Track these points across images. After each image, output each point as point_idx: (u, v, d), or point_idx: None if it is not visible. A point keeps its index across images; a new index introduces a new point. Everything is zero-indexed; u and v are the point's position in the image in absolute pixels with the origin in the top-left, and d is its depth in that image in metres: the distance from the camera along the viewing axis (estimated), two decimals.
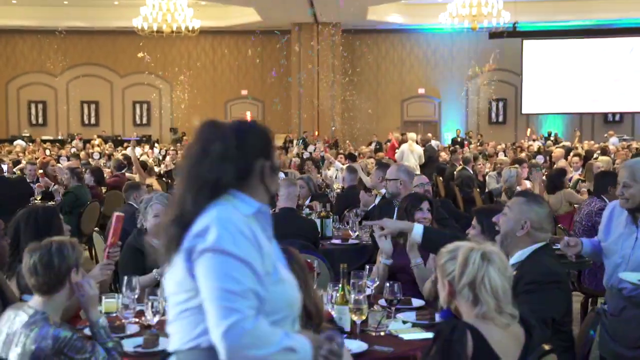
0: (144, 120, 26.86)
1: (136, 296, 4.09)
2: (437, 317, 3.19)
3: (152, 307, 3.88)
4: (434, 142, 19.10)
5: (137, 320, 3.97)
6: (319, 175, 9.59)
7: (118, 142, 21.82)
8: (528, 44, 24.77)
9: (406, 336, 3.68)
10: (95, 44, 25.93)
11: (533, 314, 3.17)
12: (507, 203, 4.20)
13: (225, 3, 22.19)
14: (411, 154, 15.87)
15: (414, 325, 3.88)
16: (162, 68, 26.32)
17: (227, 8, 23.18)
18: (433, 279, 3.28)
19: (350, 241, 6.46)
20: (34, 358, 2.98)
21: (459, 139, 22.54)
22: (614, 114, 26.10)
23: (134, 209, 6.23)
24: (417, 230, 4.17)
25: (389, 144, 19.71)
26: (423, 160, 15.47)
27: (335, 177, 10.92)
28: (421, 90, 26.37)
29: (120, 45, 25.58)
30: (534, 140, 21.64)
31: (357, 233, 6.60)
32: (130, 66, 26.29)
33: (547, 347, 3.12)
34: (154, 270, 4.49)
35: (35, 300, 3.14)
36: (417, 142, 16.64)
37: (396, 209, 5.92)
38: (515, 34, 22.87)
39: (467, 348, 2.77)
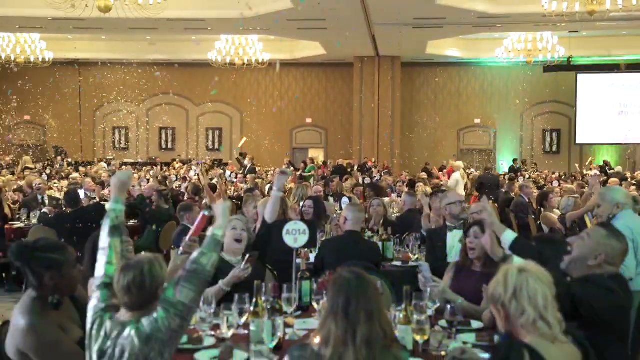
0: (216, 146, 27.20)
1: (212, 310, 4.16)
2: (497, 339, 3.16)
3: (227, 321, 3.95)
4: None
5: (213, 333, 4.02)
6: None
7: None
8: (582, 78, 24.43)
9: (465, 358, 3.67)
10: (173, 76, 26.36)
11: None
12: (588, 230, 4.13)
13: (293, 38, 22.39)
14: (462, 180, 15.92)
15: (474, 346, 3.82)
16: (233, 97, 26.70)
17: (295, 42, 23.40)
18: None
19: (411, 263, 6.43)
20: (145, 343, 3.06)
21: (515, 167, 22.28)
22: None
23: (187, 228, 6.34)
24: (508, 235, 4.08)
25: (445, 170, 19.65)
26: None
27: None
28: (477, 120, 26.16)
29: (196, 76, 26.02)
30: (590, 169, 21.27)
31: (416, 256, 6.58)
32: (205, 95, 26.69)
33: None
34: (220, 282, 4.48)
35: (125, 315, 3.18)
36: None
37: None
38: (570, 67, 22.62)
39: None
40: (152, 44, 24.06)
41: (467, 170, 19.54)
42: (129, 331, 3.07)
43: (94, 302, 3.27)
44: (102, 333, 3.14)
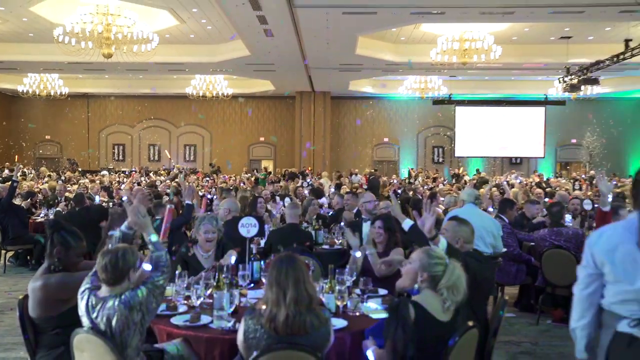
0: (192, 158, 26.81)
1: (185, 285, 4.08)
2: (413, 292, 3.20)
3: (196, 293, 3.89)
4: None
5: (185, 302, 3.97)
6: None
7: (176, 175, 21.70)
8: (459, 109, 24.92)
9: (374, 315, 3.68)
10: (159, 105, 26.00)
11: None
12: (445, 225, 4.20)
13: (250, 77, 22.27)
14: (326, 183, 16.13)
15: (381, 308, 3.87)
16: (205, 122, 26.39)
17: (251, 80, 23.27)
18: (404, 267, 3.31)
19: (335, 247, 6.46)
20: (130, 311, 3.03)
21: (412, 174, 22.59)
22: (516, 158, 26.19)
23: (161, 219, 6.31)
24: (407, 223, 4.13)
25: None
26: None
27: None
28: (386, 139, 26.44)
29: (177, 105, 25.65)
30: (463, 175, 21.75)
31: (340, 241, 6.59)
32: (184, 120, 26.35)
33: (470, 323, 3.11)
34: (202, 273, 4.30)
35: (104, 290, 3.13)
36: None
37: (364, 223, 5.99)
38: (450, 102, 23.07)
39: (410, 311, 2.89)
40: (143, 79, 23.57)
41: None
42: (112, 303, 3.03)
43: (84, 285, 3.20)
44: (89, 305, 3.09)
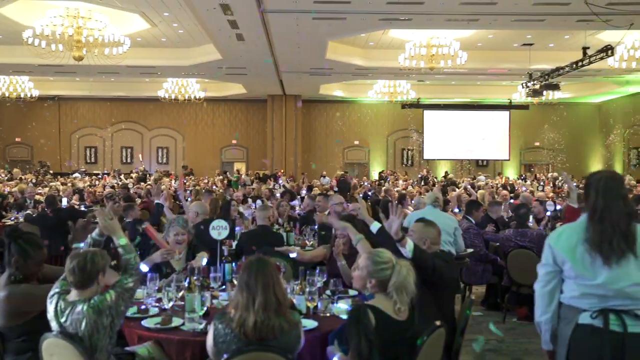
0: (165, 160, 26.49)
1: (156, 287, 4.02)
2: (362, 299, 3.21)
3: (167, 295, 3.83)
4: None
5: (157, 304, 3.90)
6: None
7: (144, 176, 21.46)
8: (427, 113, 25.14)
9: (344, 316, 3.66)
10: (132, 107, 25.64)
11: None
12: (412, 227, 4.22)
13: (221, 81, 22.11)
14: None
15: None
16: (177, 124, 26.10)
17: (223, 84, 23.11)
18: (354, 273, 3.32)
19: (307, 248, 6.41)
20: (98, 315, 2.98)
21: (382, 175, 22.69)
22: (482, 160, 26.53)
23: (132, 222, 6.22)
24: (374, 225, 4.09)
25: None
26: None
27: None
28: (356, 142, 26.51)
29: (149, 108, 25.30)
30: (428, 177, 21.97)
31: (311, 242, 6.56)
32: (156, 123, 26.02)
33: (438, 322, 3.12)
34: (174, 275, 4.24)
35: (73, 294, 3.07)
36: None
37: None
38: (419, 105, 23.26)
39: (370, 317, 2.88)
40: (115, 81, 23.24)
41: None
42: (81, 307, 2.97)
43: (53, 289, 3.14)
44: (58, 310, 3.04)
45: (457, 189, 13.05)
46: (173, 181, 18.19)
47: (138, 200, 10.26)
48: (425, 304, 3.21)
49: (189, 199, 9.97)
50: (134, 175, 20.82)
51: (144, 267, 3.99)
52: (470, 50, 16.18)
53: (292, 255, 4.61)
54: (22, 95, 21.44)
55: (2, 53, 17.23)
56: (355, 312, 2.94)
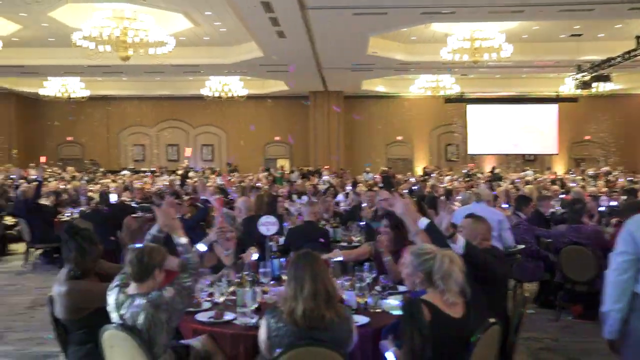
0: (209, 157, 26.88)
1: (208, 282, 4.09)
2: (419, 293, 3.18)
3: (219, 290, 3.89)
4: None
5: (209, 299, 3.96)
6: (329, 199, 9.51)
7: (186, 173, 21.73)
8: (470, 107, 24.75)
9: (395, 312, 3.65)
10: (176, 106, 26.08)
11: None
12: (461, 223, 4.16)
13: (264, 78, 22.26)
14: None
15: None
16: (221, 122, 26.44)
17: (265, 81, 23.26)
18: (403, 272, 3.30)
19: (353, 244, 6.42)
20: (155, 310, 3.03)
21: (427, 171, 22.46)
22: (529, 155, 25.94)
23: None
24: (423, 221, 4.00)
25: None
26: None
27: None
28: (399, 137, 26.30)
29: (193, 106, 25.68)
30: (474, 173, 21.61)
31: (358, 238, 6.55)
32: (200, 120, 26.42)
33: (492, 320, 3.06)
34: (224, 270, 4.31)
35: (132, 287, 3.15)
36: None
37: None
38: (462, 100, 22.92)
39: (423, 312, 2.82)
40: (161, 80, 23.71)
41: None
42: (139, 301, 3.03)
43: (114, 282, 3.23)
44: (118, 301, 3.12)
45: (503, 184, 12.83)
46: (218, 178, 18.42)
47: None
48: (478, 301, 3.16)
49: (235, 196, 10.11)
50: (179, 172, 21.17)
51: (202, 247, 4.05)
52: (515, 42, 15.83)
53: (338, 259, 4.60)
54: (73, 96, 22.12)
55: (54, 55, 17.77)
56: (409, 306, 2.92)
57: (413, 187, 12.64)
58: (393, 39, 17.09)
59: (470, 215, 4.22)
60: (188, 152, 24.38)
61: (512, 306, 3.90)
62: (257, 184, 14.81)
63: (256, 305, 3.68)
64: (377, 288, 3.96)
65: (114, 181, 14.20)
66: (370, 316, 3.55)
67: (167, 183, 14.92)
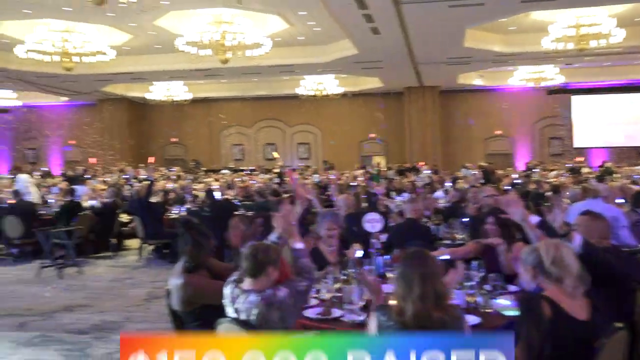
0: (305, 156, 27.32)
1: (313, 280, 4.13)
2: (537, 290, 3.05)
3: (326, 287, 3.93)
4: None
5: (316, 295, 4.00)
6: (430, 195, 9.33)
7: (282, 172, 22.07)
8: (575, 98, 23.47)
9: (507, 313, 3.52)
10: (273, 105, 26.67)
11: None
12: (576, 220, 3.94)
13: (358, 75, 22.28)
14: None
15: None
16: (316, 120, 26.76)
17: (359, 78, 23.27)
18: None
19: (457, 242, 6.26)
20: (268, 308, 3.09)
21: (529, 166, 21.55)
22: None
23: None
24: (534, 219, 3.84)
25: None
26: None
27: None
28: (498, 132, 25.40)
29: (289, 105, 26.17)
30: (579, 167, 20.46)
31: (462, 236, 6.39)
32: (296, 119, 26.89)
33: (619, 324, 2.87)
34: (329, 267, 4.35)
35: (246, 283, 3.22)
36: None
37: None
38: (566, 91, 21.77)
39: (543, 308, 2.70)
40: (258, 81, 24.38)
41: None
42: (253, 298, 3.11)
43: (232, 276, 3.33)
44: (233, 296, 3.21)
45: (614, 179, 12.05)
46: (314, 175, 18.65)
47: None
48: (601, 304, 2.98)
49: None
50: (275, 170, 21.66)
51: (359, 253, 4.02)
52: (626, 26, 14.77)
53: (444, 257, 4.51)
54: (176, 99, 23.27)
55: (159, 61, 18.77)
56: (527, 301, 2.80)
57: (515, 183, 12.15)
58: (490, 30, 16.52)
59: (586, 213, 3.99)
60: (275, 155, 24.90)
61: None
62: (353, 181, 14.86)
63: (363, 303, 3.68)
64: (487, 287, 3.84)
65: (216, 180, 14.76)
66: (482, 316, 3.44)
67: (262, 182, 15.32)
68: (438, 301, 2.83)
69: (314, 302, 3.89)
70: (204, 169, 23.61)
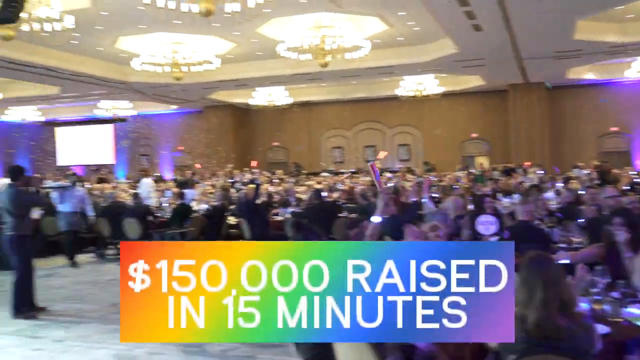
0: (406, 157, 27.02)
1: None
2: None
3: None
4: None
5: None
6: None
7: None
8: None
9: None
10: (372, 107, 26.64)
11: None
12: None
13: (459, 74, 21.75)
14: None
15: None
16: (416, 121, 26.42)
17: (460, 77, 22.70)
18: None
19: (573, 245, 5.92)
20: None
21: None
22: None
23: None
24: None
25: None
26: None
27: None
28: (614, 128, 23.77)
29: (388, 107, 26.01)
30: None
31: (579, 239, 6.03)
32: (395, 121, 26.69)
33: None
34: None
35: None
36: None
37: None
38: None
39: None
40: (356, 84, 24.45)
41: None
42: None
43: None
44: None
45: None
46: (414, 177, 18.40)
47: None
48: None
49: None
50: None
51: (377, 219, 4.08)
52: None
53: (564, 261, 4.28)
54: (277, 104, 23.87)
55: (261, 67, 19.37)
56: None
57: (635, 182, 11.31)
58: (604, 19, 15.53)
59: None
60: (382, 155, 24.73)
61: None
62: (455, 183, 14.51)
63: None
64: (615, 295, 3.59)
65: (318, 183, 14.97)
66: (611, 325, 3.22)
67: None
68: (563, 308, 2.69)
69: None
70: (305, 172, 24.02)
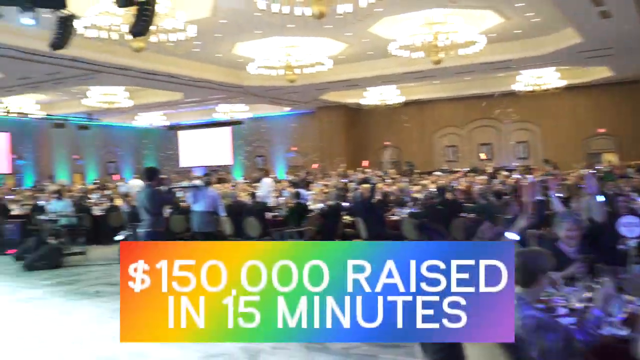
0: (524, 155, 25.83)
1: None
2: None
3: (576, 295, 3.62)
4: None
5: (565, 304, 3.71)
6: None
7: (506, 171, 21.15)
8: None
9: None
10: (487, 104, 25.74)
11: None
12: None
13: (582, 66, 20.41)
14: None
15: None
16: (534, 117, 25.18)
17: (583, 69, 21.30)
18: None
19: None
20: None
21: None
22: None
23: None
24: None
25: None
26: None
27: None
28: None
29: (504, 103, 24.89)
30: None
31: None
32: (513, 117, 25.62)
33: None
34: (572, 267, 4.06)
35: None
36: None
37: None
38: None
39: None
40: (470, 80, 23.77)
41: None
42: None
43: None
44: None
45: None
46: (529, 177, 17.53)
47: None
48: None
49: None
50: (487, 170, 20.82)
51: (513, 236, 3.90)
52: None
53: None
54: (389, 103, 23.77)
55: (373, 67, 19.41)
56: None
57: None
58: None
59: None
60: (483, 155, 23.87)
61: None
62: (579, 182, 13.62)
63: (624, 316, 3.30)
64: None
65: (432, 182, 14.69)
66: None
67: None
68: None
69: (561, 310, 3.61)
70: (418, 171, 23.69)
